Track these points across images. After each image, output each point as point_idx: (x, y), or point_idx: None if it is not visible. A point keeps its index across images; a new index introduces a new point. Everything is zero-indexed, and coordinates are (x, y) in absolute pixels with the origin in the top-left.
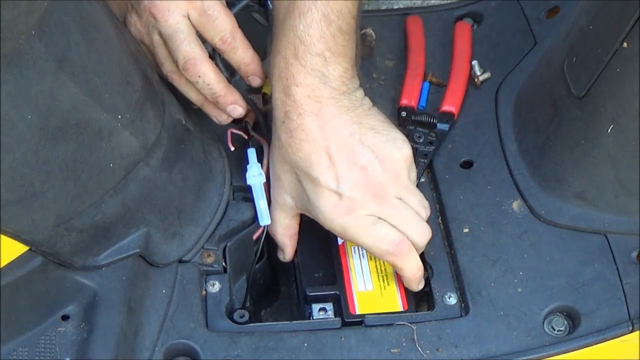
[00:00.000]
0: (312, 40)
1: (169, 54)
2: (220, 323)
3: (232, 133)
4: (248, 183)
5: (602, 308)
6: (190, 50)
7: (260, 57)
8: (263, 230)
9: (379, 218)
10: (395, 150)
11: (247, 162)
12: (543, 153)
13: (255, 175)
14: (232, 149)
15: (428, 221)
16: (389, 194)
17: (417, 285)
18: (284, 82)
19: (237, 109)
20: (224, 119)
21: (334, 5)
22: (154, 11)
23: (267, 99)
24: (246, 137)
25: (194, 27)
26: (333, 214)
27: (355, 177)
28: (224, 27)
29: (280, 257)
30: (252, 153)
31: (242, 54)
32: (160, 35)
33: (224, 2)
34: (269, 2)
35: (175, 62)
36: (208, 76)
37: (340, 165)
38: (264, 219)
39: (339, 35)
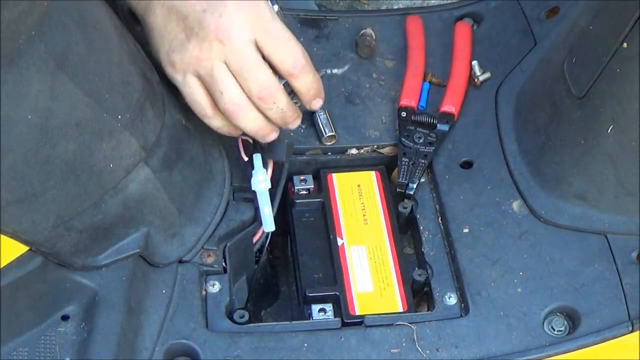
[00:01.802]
0: None
1: (235, 80)
2: (220, 323)
3: (243, 141)
4: (253, 189)
5: (602, 308)
6: (265, 79)
7: None
8: (267, 237)
9: None
10: None
11: (252, 168)
12: (543, 153)
13: (260, 182)
14: (246, 159)
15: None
16: None
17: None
18: None
19: (297, 122)
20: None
21: None
22: (220, 36)
23: None
24: (252, 142)
25: (260, 50)
26: None
27: None
28: (295, 50)
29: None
30: (257, 159)
31: (313, 78)
32: (225, 61)
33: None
34: (269, 2)
35: (243, 90)
36: (282, 101)
37: None
38: (269, 226)
39: None
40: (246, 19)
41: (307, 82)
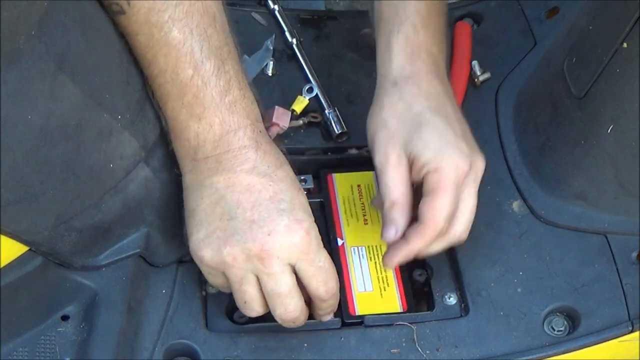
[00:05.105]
0: (430, 14)
1: (259, 295)
2: (220, 323)
3: None
4: None
5: (602, 308)
6: (292, 306)
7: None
8: None
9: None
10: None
11: None
12: (543, 153)
13: None
14: None
15: None
16: None
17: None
18: (412, 49)
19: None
20: None
21: None
22: (262, 255)
23: (295, 116)
24: None
25: (295, 273)
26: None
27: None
28: (330, 280)
29: (392, 233)
30: None
31: (336, 300)
32: (257, 276)
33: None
34: (269, 2)
35: (264, 304)
36: (300, 320)
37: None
38: None
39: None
40: (292, 244)
41: (331, 304)
